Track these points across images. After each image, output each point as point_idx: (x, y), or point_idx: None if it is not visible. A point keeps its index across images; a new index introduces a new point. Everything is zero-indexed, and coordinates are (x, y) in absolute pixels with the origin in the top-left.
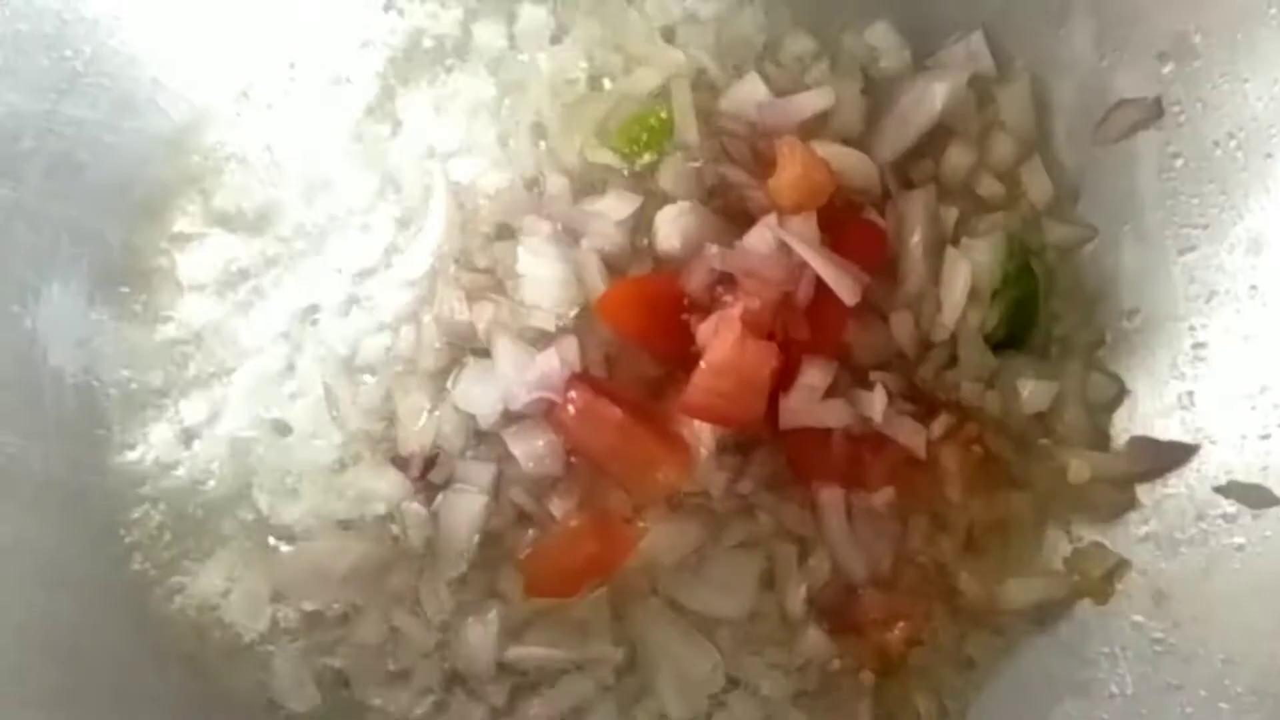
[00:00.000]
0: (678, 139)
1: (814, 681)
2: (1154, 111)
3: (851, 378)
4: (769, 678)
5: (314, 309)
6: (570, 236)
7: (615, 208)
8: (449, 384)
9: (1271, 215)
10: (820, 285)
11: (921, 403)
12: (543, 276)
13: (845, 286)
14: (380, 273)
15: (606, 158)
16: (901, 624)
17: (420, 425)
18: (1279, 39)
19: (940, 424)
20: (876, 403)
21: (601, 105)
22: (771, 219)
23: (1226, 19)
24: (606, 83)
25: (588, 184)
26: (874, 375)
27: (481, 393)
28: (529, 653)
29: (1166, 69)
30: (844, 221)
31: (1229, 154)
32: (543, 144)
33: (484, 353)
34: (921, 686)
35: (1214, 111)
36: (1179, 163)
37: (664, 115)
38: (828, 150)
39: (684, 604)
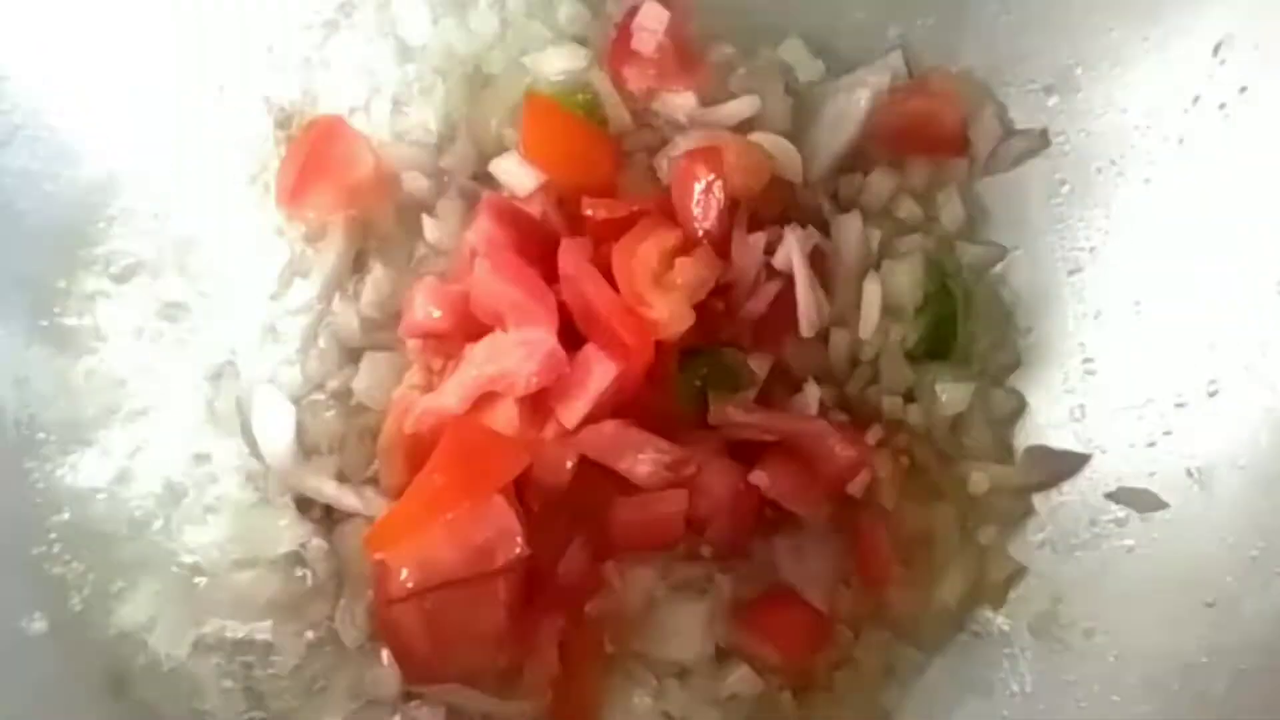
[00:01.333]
0: (612, 126)
1: (742, 712)
2: (1041, 142)
3: (788, 389)
4: (700, 711)
5: (232, 344)
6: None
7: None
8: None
9: (1151, 236)
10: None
11: (854, 415)
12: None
13: (809, 317)
14: (284, 300)
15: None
16: (828, 645)
17: (325, 453)
18: (1153, 69)
19: (873, 434)
20: (810, 400)
21: (513, 89)
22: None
23: (1104, 52)
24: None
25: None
26: (807, 386)
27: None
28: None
29: (1052, 101)
30: None
31: (1111, 180)
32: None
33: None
34: (847, 701)
35: (1097, 140)
36: (1065, 189)
37: (587, 96)
38: (758, 137)
39: (634, 647)
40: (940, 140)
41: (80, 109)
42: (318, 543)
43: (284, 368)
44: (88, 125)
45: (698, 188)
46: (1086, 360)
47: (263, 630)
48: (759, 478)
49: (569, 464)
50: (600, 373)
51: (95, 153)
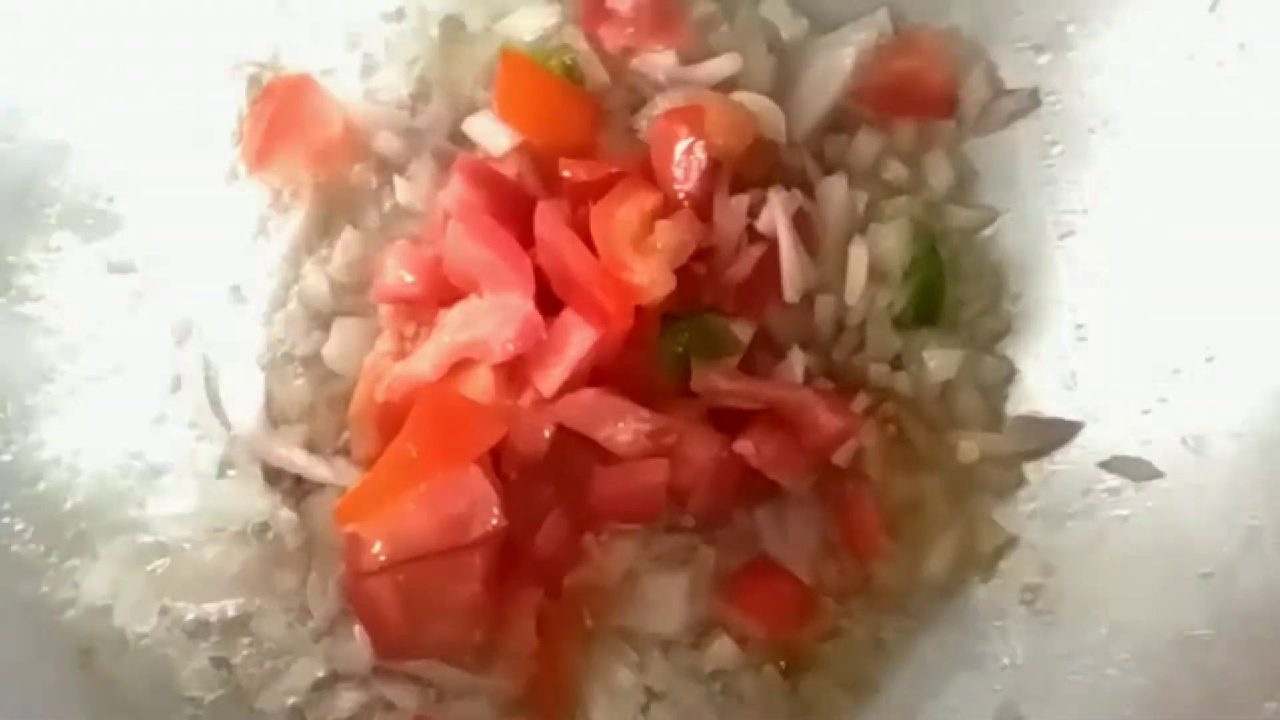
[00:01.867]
0: (590, 84)
1: (727, 685)
2: (1032, 101)
3: (772, 356)
4: (683, 686)
5: (196, 309)
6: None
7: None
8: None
9: (1146, 198)
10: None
11: (840, 382)
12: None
13: (794, 282)
14: (250, 263)
15: None
16: (813, 618)
17: (295, 422)
18: (1148, 26)
19: (859, 402)
20: (795, 367)
21: (488, 48)
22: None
23: (1098, 8)
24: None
25: None
26: (791, 353)
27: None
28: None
29: (1043, 60)
30: None
31: (1104, 140)
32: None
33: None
34: (836, 673)
35: (1089, 99)
36: (1057, 150)
37: (567, 60)
38: (740, 96)
39: (615, 621)
40: (928, 100)
41: (33, 67)
42: (287, 514)
43: (251, 333)
44: (42, 84)
45: (678, 149)
46: (1079, 326)
47: (231, 604)
48: (744, 447)
49: (546, 433)
50: (578, 339)
51: (50, 112)
